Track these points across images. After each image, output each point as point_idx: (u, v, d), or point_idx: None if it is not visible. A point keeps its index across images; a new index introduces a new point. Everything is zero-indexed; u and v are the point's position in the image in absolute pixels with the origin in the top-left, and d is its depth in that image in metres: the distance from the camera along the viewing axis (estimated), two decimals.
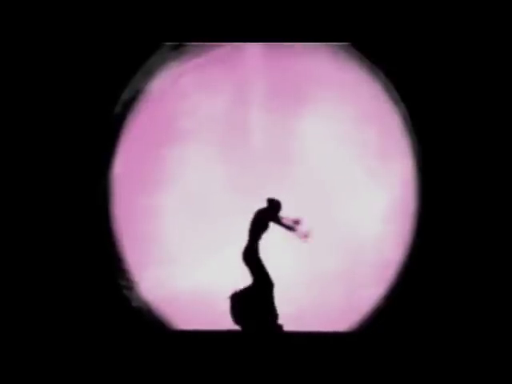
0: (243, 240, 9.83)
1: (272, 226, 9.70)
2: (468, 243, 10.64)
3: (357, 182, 11.34)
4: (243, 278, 9.68)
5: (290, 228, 9.55)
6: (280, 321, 9.58)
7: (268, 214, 9.64)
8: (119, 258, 11.07)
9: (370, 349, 9.51)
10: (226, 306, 9.79)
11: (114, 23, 10.82)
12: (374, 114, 11.26)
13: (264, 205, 9.82)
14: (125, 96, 11.15)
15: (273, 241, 9.91)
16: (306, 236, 9.56)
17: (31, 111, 10.82)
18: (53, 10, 10.76)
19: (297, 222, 9.50)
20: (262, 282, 9.49)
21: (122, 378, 8.77)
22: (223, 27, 10.79)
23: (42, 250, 10.69)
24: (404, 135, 11.18)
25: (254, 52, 11.38)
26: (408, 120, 11.06)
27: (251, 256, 9.55)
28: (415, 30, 10.74)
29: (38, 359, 9.24)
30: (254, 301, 9.48)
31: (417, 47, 10.79)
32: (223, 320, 9.72)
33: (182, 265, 11.14)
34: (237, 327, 9.68)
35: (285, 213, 9.69)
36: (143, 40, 10.87)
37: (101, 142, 11.05)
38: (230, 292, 9.64)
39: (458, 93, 10.80)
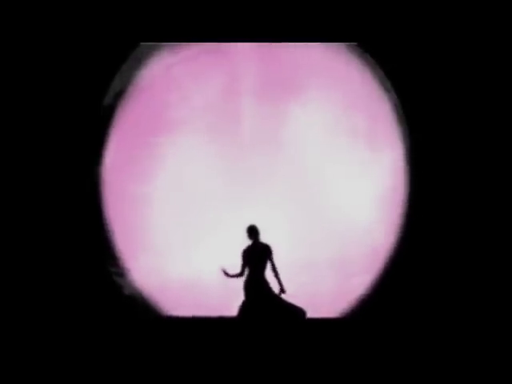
0: (233, 228, 9.84)
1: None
2: (457, 232, 10.71)
3: (347, 171, 11.35)
4: (233, 266, 9.66)
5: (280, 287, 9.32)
6: None
7: (266, 254, 9.25)
8: (111, 246, 11.10)
9: (360, 335, 9.57)
10: (216, 292, 9.83)
11: (105, 13, 10.86)
12: (365, 102, 11.30)
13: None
14: (115, 86, 11.18)
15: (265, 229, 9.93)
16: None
17: (22, 103, 10.86)
18: (42, 3, 10.79)
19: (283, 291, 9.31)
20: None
21: (113, 363, 8.80)
22: (224, 26, 10.90)
23: (34, 238, 10.72)
24: (395, 124, 11.23)
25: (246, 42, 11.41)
26: (399, 108, 11.12)
27: (251, 288, 9.20)
28: (405, 18, 10.82)
29: (30, 345, 9.26)
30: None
31: (407, 36, 10.86)
32: (213, 306, 9.76)
33: (173, 252, 11.16)
34: (227, 313, 9.68)
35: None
36: (134, 31, 10.93)
37: (92, 132, 11.09)
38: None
39: (448, 81, 10.88)
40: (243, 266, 9.15)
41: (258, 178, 11.30)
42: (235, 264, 9.17)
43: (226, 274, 9.13)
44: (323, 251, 11.07)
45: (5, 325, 10.03)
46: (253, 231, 9.25)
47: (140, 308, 10.90)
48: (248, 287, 9.09)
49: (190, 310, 10.38)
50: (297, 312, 9.07)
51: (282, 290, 9.13)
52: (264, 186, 11.30)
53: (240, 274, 9.15)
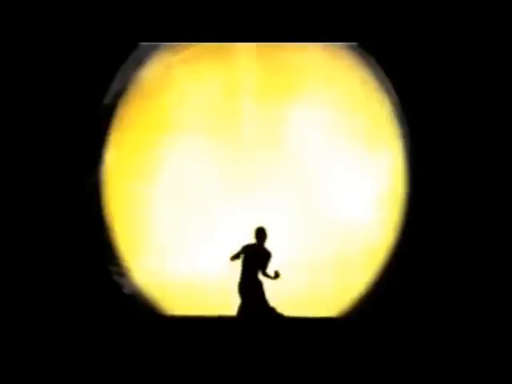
0: (233, 228, 9.85)
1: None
2: (456, 231, 10.73)
3: (347, 171, 11.38)
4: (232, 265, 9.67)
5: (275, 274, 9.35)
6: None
7: (260, 258, 9.42)
8: (112, 246, 11.12)
9: (360, 335, 9.57)
10: (216, 292, 9.85)
11: (104, 13, 10.87)
12: (365, 102, 11.31)
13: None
14: (115, 86, 11.19)
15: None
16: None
17: (22, 103, 10.88)
18: (42, 3, 10.81)
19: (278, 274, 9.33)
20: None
21: (113, 362, 8.79)
22: (224, 27, 10.92)
23: (35, 238, 10.74)
24: (395, 124, 11.24)
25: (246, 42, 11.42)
26: (399, 108, 11.13)
27: (246, 289, 9.27)
28: (406, 18, 10.83)
29: (30, 344, 9.26)
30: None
31: (407, 36, 10.87)
32: (213, 306, 9.77)
33: (173, 252, 11.18)
34: (227, 313, 9.70)
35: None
36: (134, 31, 10.94)
37: (92, 132, 11.10)
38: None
39: (448, 81, 10.89)
40: (239, 254, 9.10)
41: (258, 177, 11.32)
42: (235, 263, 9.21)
43: (235, 256, 9.06)
44: (323, 251, 11.09)
45: (5, 323, 10.04)
46: (261, 234, 9.18)
47: (140, 307, 10.93)
48: (243, 289, 9.07)
49: (190, 309, 10.42)
50: (276, 315, 9.08)
51: (277, 274, 9.06)
52: (264, 185, 11.32)
53: (233, 258, 9.12)
